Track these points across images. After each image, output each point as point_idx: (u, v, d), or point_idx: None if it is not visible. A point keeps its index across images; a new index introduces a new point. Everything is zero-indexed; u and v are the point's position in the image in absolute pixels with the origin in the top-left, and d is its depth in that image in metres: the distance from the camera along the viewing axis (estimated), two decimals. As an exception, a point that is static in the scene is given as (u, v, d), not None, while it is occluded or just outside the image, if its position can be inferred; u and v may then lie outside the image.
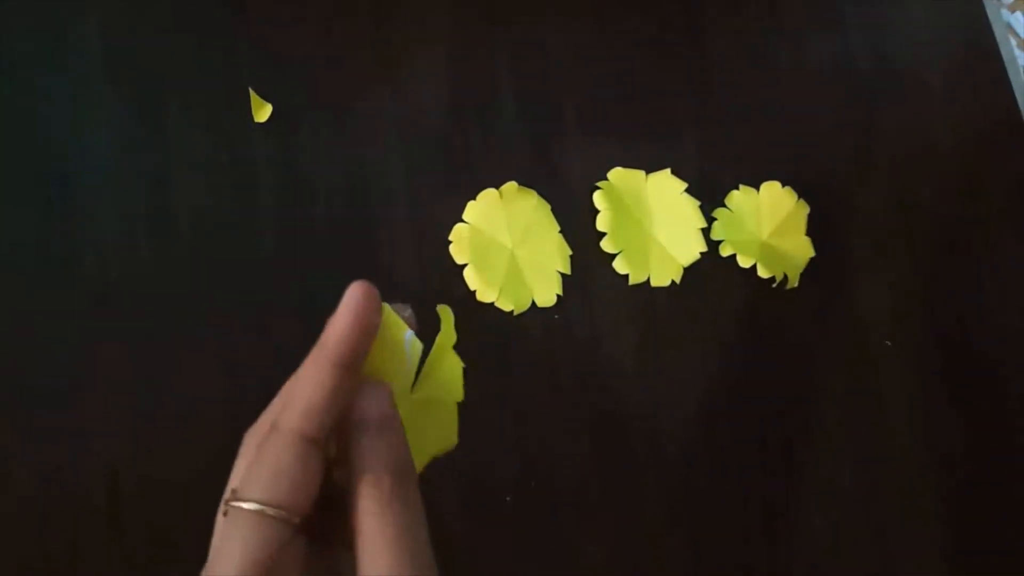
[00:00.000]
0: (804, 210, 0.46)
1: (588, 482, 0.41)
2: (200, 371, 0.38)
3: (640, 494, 0.41)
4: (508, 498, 0.40)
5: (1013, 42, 0.55)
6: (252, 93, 0.41)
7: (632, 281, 0.43)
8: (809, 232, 0.46)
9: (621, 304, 0.43)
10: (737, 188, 0.46)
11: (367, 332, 0.24)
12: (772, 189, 0.46)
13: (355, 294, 0.24)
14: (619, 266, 0.43)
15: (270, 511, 0.22)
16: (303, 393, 0.23)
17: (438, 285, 0.41)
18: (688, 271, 0.44)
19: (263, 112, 0.41)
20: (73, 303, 0.38)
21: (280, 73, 0.42)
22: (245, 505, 0.22)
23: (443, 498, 0.39)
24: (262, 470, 0.22)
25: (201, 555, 0.36)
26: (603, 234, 0.43)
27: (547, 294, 0.42)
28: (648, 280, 0.43)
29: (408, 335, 0.26)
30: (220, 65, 0.42)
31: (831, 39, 0.50)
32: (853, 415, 0.44)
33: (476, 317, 0.40)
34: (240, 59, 0.42)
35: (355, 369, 0.24)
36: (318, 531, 0.24)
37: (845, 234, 0.47)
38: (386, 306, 0.26)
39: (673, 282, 0.43)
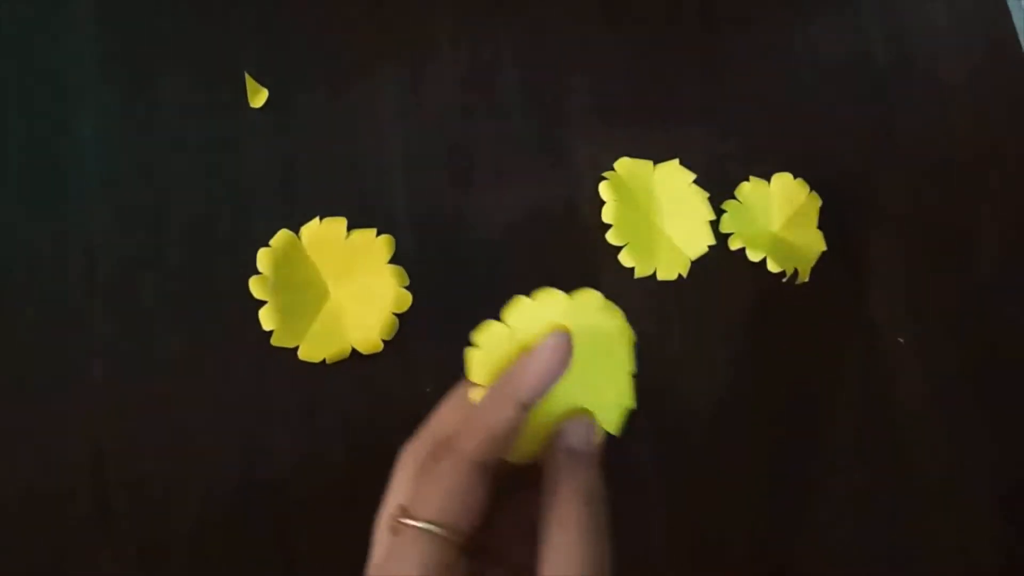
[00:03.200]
0: (816, 203, 0.45)
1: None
2: (189, 363, 0.38)
3: (643, 490, 0.40)
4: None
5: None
6: (248, 78, 0.40)
7: (638, 274, 0.42)
8: (821, 226, 0.45)
9: (626, 298, 0.42)
10: (747, 180, 0.44)
11: (554, 378, 0.25)
12: (783, 181, 0.45)
13: (558, 342, 0.25)
14: (625, 259, 0.41)
15: (441, 532, 0.23)
16: (485, 424, 0.24)
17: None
18: (696, 264, 0.42)
19: (259, 97, 0.40)
20: (61, 289, 0.38)
21: (277, 58, 0.41)
22: (419, 524, 0.23)
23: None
24: (437, 491, 0.23)
25: (192, 545, 0.36)
26: (609, 226, 0.41)
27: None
28: (654, 273, 0.42)
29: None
30: (216, 49, 0.41)
31: (847, 30, 0.49)
32: (864, 413, 0.43)
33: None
34: (236, 43, 0.41)
35: (529, 411, 0.25)
36: (472, 546, 0.25)
37: (858, 228, 0.46)
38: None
39: (680, 276, 0.42)
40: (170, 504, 0.36)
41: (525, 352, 0.25)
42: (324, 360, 0.37)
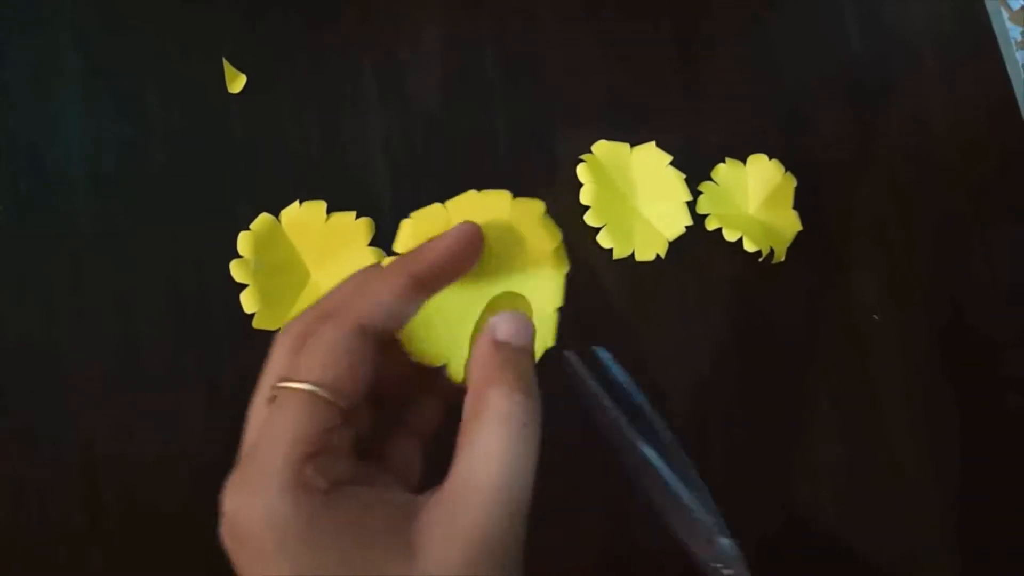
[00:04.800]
0: (792, 183, 0.45)
1: (570, 462, 0.40)
2: (177, 345, 0.38)
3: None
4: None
5: (1005, 15, 0.54)
6: (226, 63, 0.40)
7: (616, 255, 0.42)
8: (796, 206, 0.45)
9: (605, 279, 0.42)
10: (723, 161, 0.45)
11: (456, 269, 0.24)
12: (759, 162, 0.45)
13: (466, 231, 0.24)
14: (603, 240, 0.42)
15: (322, 392, 0.21)
16: (376, 291, 0.23)
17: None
18: (673, 245, 0.43)
19: (237, 83, 0.40)
20: (47, 274, 0.38)
21: (256, 42, 0.41)
22: (297, 385, 0.21)
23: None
24: (316, 353, 0.22)
25: (181, 533, 0.36)
26: (587, 208, 0.42)
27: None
28: (633, 254, 0.42)
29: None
30: (195, 34, 0.41)
31: (824, 13, 0.50)
32: (841, 389, 0.44)
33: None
34: (216, 28, 0.41)
35: (425, 294, 0.23)
36: (361, 441, 0.24)
37: (833, 208, 0.46)
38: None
39: (658, 256, 0.43)
40: (157, 489, 0.37)
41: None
42: (306, 342, 0.37)
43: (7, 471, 0.36)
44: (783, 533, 0.41)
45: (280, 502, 0.20)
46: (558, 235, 0.26)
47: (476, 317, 0.26)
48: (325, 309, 0.24)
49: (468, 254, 0.24)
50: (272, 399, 0.22)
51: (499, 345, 0.23)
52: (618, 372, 0.36)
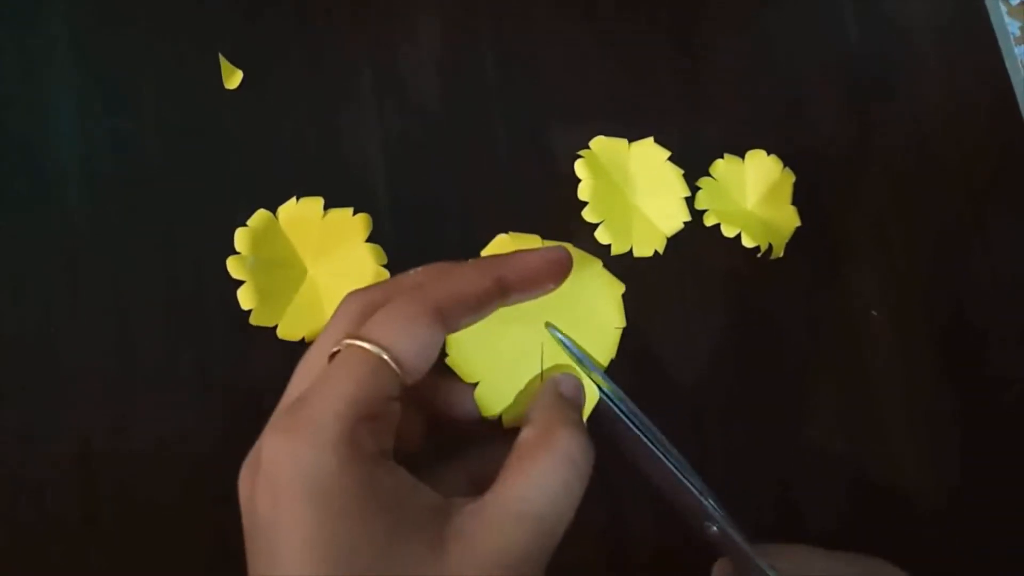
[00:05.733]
0: (790, 179, 0.45)
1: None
2: (172, 340, 0.38)
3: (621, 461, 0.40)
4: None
5: (1004, 10, 0.54)
6: (222, 59, 0.40)
7: (614, 251, 0.42)
8: (795, 202, 0.45)
9: (603, 274, 0.42)
10: (722, 157, 0.45)
11: (541, 285, 0.24)
12: (757, 158, 0.45)
13: (558, 252, 0.24)
14: (601, 236, 0.42)
15: (390, 359, 0.21)
16: (458, 283, 0.22)
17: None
18: (672, 241, 0.43)
19: (234, 79, 0.40)
20: (42, 273, 0.38)
21: (252, 38, 0.41)
22: (367, 345, 0.21)
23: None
24: (392, 320, 0.21)
25: (177, 530, 0.36)
26: (584, 203, 0.42)
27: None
28: (631, 250, 0.42)
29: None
30: (190, 31, 0.41)
31: (823, 9, 0.50)
32: (839, 385, 0.44)
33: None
34: (211, 25, 0.41)
35: (502, 301, 0.23)
36: (411, 444, 0.24)
37: (832, 203, 0.46)
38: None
39: (656, 252, 0.43)
40: (154, 485, 0.36)
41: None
42: (303, 338, 0.37)
43: (3, 469, 0.36)
44: (781, 530, 0.41)
45: (328, 457, 0.19)
46: (621, 287, 0.28)
47: (523, 352, 0.26)
48: (403, 285, 0.23)
49: (554, 275, 0.24)
50: (334, 355, 0.21)
51: (563, 397, 0.25)
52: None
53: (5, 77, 0.39)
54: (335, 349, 0.21)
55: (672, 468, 0.30)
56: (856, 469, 0.43)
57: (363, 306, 0.23)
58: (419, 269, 0.25)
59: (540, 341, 0.26)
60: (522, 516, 0.20)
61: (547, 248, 0.25)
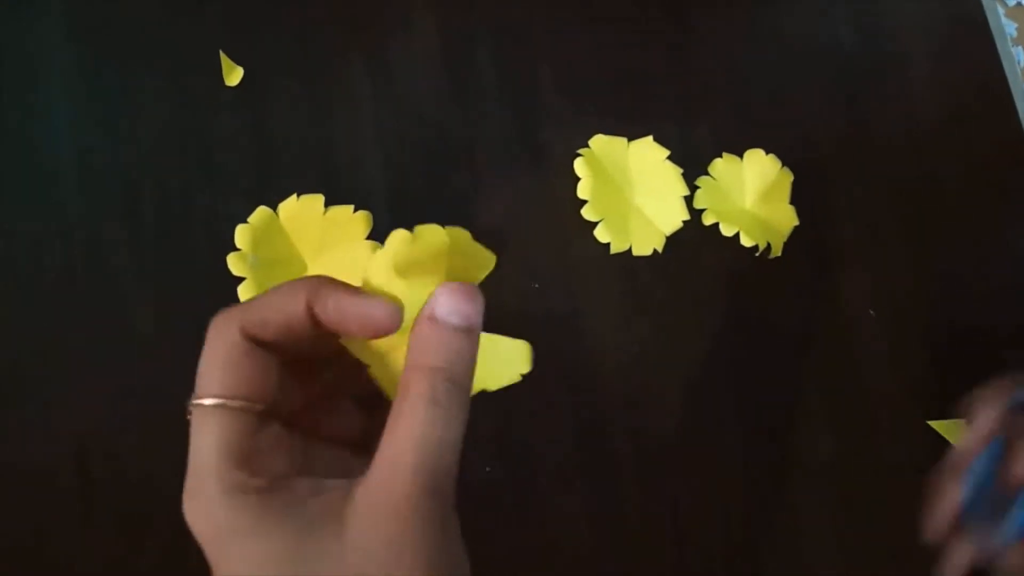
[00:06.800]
0: (788, 178, 0.45)
1: (567, 451, 0.40)
2: (172, 337, 0.38)
3: (620, 463, 0.40)
4: (488, 468, 0.39)
5: (1001, 11, 0.54)
6: (223, 56, 0.40)
7: (614, 250, 0.42)
8: (793, 200, 0.45)
9: (602, 273, 0.42)
10: (720, 156, 0.45)
11: (366, 330, 0.23)
12: (756, 157, 0.45)
13: (391, 313, 0.22)
14: (600, 235, 0.42)
15: (231, 403, 0.22)
16: (267, 304, 0.23)
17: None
18: (670, 240, 0.43)
19: (234, 76, 0.40)
20: (39, 269, 0.38)
21: (252, 36, 0.41)
22: (206, 402, 0.22)
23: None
24: (211, 366, 0.23)
25: (172, 531, 0.36)
26: (584, 202, 0.42)
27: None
28: (630, 249, 0.42)
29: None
30: (189, 35, 0.41)
31: (819, 9, 0.50)
32: (835, 382, 0.44)
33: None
34: (210, 28, 0.41)
35: (325, 331, 0.23)
36: (346, 434, 0.25)
37: (829, 203, 0.46)
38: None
39: (655, 251, 0.43)
40: (150, 481, 0.36)
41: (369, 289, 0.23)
42: (303, 336, 0.37)
43: (3, 468, 0.36)
44: (779, 527, 0.42)
45: (220, 507, 0.21)
46: (492, 258, 0.25)
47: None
48: (217, 320, 0.24)
49: (385, 330, 0.23)
50: (190, 414, 0.23)
51: (436, 324, 0.23)
52: None
53: (4, 74, 0.39)
54: (189, 411, 0.23)
55: None
56: (850, 466, 0.43)
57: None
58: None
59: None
60: (397, 474, 0.21)
61: (382, 304, 0.22)
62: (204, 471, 0.22)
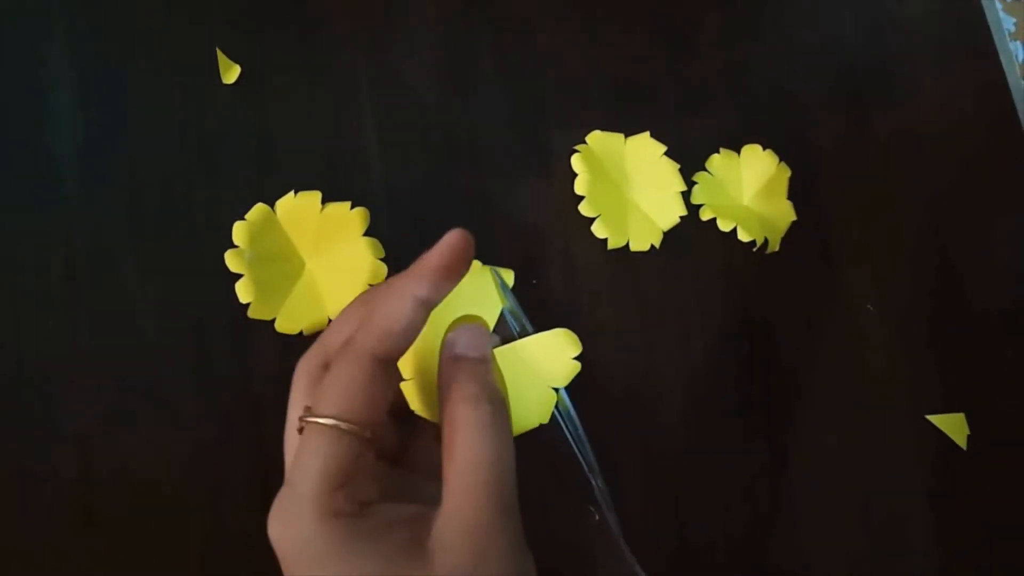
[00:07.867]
0: (786, 174, 0.45)
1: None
2: (171, 333, 0.38)
3: (619, 460, 0.40)
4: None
5: (999, 6, 0.54)
6: (220, 53, 0.40)
7: (611, 246, 0.42)
8: (791, 196, 0.45)
9: (599, 269, 0.43)
10: (718, 151, 0.45)
11: (454, 276, 0.25)
12: (753, 152, 0.45)
13: (453, 238, 0.25)
14: (597, 230, 0.42)
15: (344, 425, 0.23)
16: (382, 319, 0.24)
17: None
18: (668, 235, 0.43)
19: (231, 73, 0.40)
20: (39, 265, 0.38)
21: (250, 32, 0.41)
22: (321, 420, 0.23)
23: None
24: (336, 386, 0.24)
25: (173, 531, 0.36)
26: (581, 197, 0.42)
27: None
28: (627, 244, 0.42)
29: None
30: (186, 32, 0.41)
31: (819, 3, 0.50)
32: (835, 379, 0.44)
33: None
34: (207, 24, 0.41)
35: (428, 310, 0.25)
36: (389, 452, 0.26)
37: (827, 198, 0.46)
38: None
39: (652, 246, 0.43)
40: (153, 478, 0.37)
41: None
42: (301, 332, 0.38)
43: (4, 468, 0.36)
44: (778, 524, 0.42)
45: (313, 531, 0.22)
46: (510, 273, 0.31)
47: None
48: (333, 344, 0.26)
49: (463, 261, 0.25)
50: (301, 429, 0.24)
51: (459, 359, 0.26)
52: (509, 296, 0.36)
53: (4, 74, 0.39)
54: (300, 426, 0.24)
55: (569, 438, 0.32)
56: (851, 462, 0.43)
57: (308, 376, 0.26)
58: (348, 308, 0.28)
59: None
60: (467, 499, 0.23)
61: (444, 239, 0.25)
62: (302, 490, 0.23)
